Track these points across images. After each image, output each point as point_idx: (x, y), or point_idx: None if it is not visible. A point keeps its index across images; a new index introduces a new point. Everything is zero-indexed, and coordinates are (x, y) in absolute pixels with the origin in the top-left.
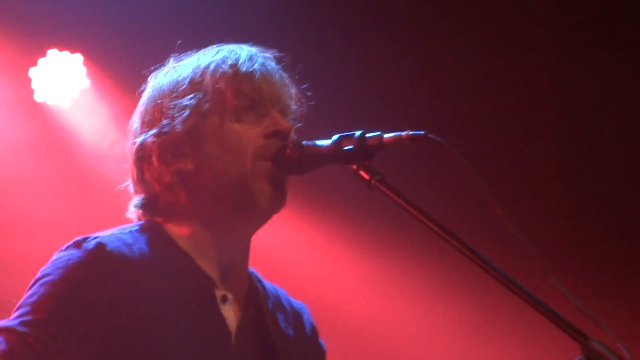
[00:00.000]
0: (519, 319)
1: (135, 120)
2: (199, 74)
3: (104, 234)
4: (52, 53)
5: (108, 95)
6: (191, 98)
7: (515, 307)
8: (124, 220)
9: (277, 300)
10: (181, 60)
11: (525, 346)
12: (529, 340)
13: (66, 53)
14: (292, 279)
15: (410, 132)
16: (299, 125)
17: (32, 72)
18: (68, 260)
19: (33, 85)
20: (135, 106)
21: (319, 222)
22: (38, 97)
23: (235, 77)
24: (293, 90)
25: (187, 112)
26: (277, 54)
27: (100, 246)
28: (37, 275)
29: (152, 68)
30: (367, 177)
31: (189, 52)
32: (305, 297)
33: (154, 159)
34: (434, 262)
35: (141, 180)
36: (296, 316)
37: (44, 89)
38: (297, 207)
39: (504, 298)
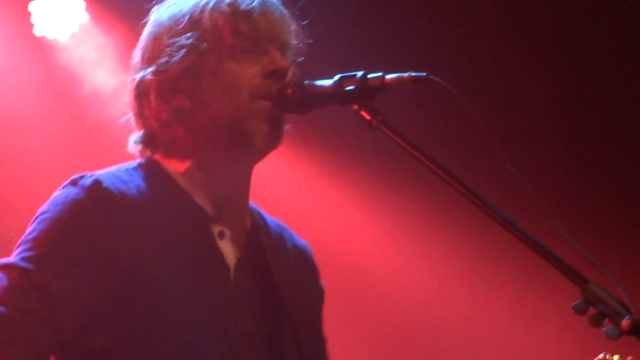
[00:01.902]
0: (521, 264)
1: (137, 55)
2: (197, 11)
3: (101, 172)
4: None
5: (107, 30)
6: (189, 36)
7: (516, 252)
8: (123, 157)
9: (280, 236)
10: None
11: (527, 291)
12: (531, 285)
13: None
14: (291, 218)
15: (412, 74)
16: (299, 59)
17: (32, 5)
18: (66, 197)
19: (32, 20)
20: (135, 41)
21: (320, 163)
22: (37, 31)
23: (233, 15)
24: (293, 26)
25: (184, 51)
26: None
27: (97, 183)
28: (36, 214)
29: (153, 1)
30: (368, 117)
31: None
32: (305, 237)
33: (152, 96)
34: (436, 206)
35: (140, 116)
36: (298, 254)
37: (43, 23)
38: (298, 147)
39: (504, 243)
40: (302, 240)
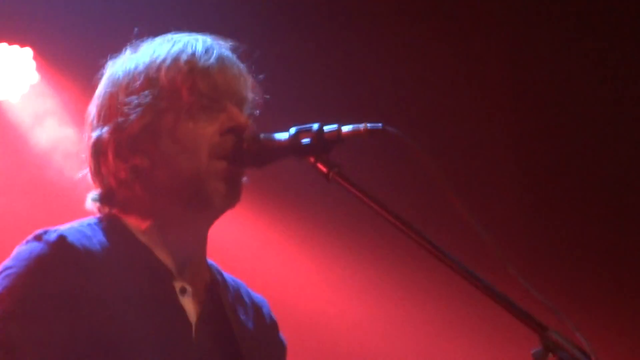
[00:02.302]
0: (479, 313)
1: (92, 112)
2: (154, 69)
3: (64, 227)
4: (2, 47)
5: (59, 90)
6: (146, 95)
7: (475, 301)
8: (81, 214)
9: (238, 292)
10: (137, 49)
11: (485, 340)
12: (490, 334)
13: (16, 47)
14: (248, 274)
15: (369, 125)
16: (256, 112)
17: None
18: (30, 252)
19: None
20: (87, 101)
21: (276, 217)
22: None
23: (191, 73)
24: (250, 81)
25: (141, 110)
26: (234, 44)
27: (61, 238)
28: None
29: (106, 59)
30: (325, 169)
31: (146, 39)
32: (262, 292)
33: (110, 154)
34: (393, 256)
35: (98, 174)
36: (256, 309)
37: None
38: (255, 201)
39: (462, 292)
40: (259, 295)
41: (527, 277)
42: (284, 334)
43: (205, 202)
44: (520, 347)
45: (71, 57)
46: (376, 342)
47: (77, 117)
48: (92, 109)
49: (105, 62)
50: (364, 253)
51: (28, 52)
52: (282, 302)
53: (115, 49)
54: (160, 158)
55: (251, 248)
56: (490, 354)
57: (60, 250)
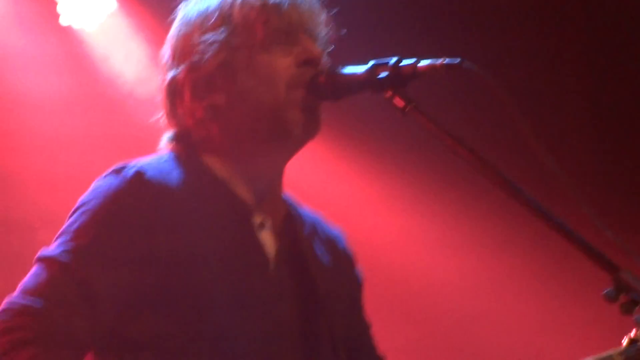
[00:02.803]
0: (548, 252)
1: (166, 53)
2: (227, 7)
3: (142, 161)
4: None
5: (137, 21)
6: (220, 32)
7: (544, 239)
8: (152, 151)
9: (314, 226)
10: None
11: (556, 280)
12: (560, 274)
13: None
14: (323, 209)
15: (446, 61)
16: (331, 48)
17: None
18: (108, 188)
19: (59, 8)
20: (166, 33)
21: (351, 153)
22: (63, 20)
23: (264, 8)
24: (323, 16)
25: (216, 47)
26: None
27: (138, 174)
28: (77, 204)
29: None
30: (401, 104)
31: None
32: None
33: (186, 94)
34: (466, 195)
35: (173, 115)
36: (332, 243)
37: (69, 11)
38: (330, 136)
39: (533, 230)
40: (335, 229)
41: (600, 218)
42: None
43: (285, 133)
44: (589, 290)
45: None
46: (445, 285)
47: (155, 49)
48: (166, 50)
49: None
50: (436, 192)
51: None
52: (354, 239)
53: None
54: (238, 93)
55: (325, 183)
56: (561, 295)
57: (138, 186)
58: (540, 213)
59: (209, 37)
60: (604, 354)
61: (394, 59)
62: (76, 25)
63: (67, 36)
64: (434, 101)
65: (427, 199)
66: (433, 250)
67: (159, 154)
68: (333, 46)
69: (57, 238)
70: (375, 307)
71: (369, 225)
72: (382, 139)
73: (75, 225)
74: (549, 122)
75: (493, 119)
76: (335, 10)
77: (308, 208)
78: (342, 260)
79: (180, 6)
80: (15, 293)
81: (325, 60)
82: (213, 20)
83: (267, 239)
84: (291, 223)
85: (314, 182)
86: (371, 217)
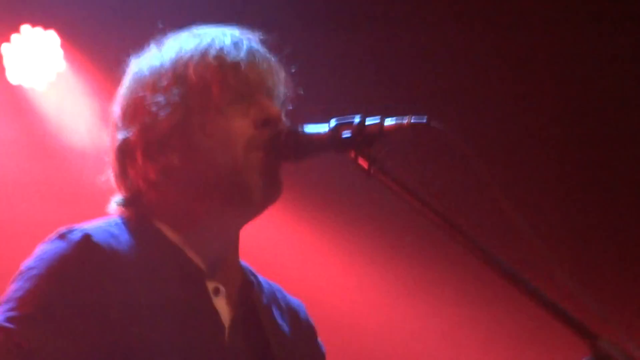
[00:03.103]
0: (524, 319)
1: (117, 112)
2: (181, 65)
3: (89, 225)
4: (25, 29)
5: (87, 79)
6: (174, 93)
7: (520, 306)
8: (101, 213)
9: (272, 295)
10: (162, 44)
11: (531, 348)
12: (535, 342)
13: (39, 29)
14: (282, 277)
15: (412, 119)
16: (289, 108)
17: (4, 48)
18: (54, 253)
19: (5, 63)
20: (116, 89)
21: (311, 215)
22: (12, 79)
23: (221, 68)
24: (282, 75)
25: (170, 108)
26: (263, 36)
27: (86, 238)
28: (21, 269)
29: (131, 52)
30: (366, 165)
31: (170, 33)
32: (296, 295)
33: (138, 155)
34: (436, 258)
35: (124, 177)
36: (292, 313)
37: (19, 71)
38: (289, 199)
39: (508, 297)
40: (295, 299)
41: (575, 283)
42: (321, 338)
43: (244, 198)
44: (568, 357)
45: (99, 43)
46: (417, 351)
47: (105, 107)
48: (116, 108)
49: (132, 53)
50: (406, 256)
51: (53, 35)
52: (317, 305)
53: (147, 32)
54: (193, 154)
55: (283, 248)
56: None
57: (85, 251)
58: (512, 277)
59: (162, 97)
60: None
61: (357, 118)
62: (26, 84)
63: (17, 94)
64: (398, 158)
65: (390, 259)
66: (396, 308)
67: (107, 218)
68: (292, 105)
69: (1, 305)
70: None
71: (327, 287)
72: (341, 197)
73: (20, 292)
74: (519, 181)
75: (460, 177)
76: (293, 69)
77: (265, 278)
78: (303, 331)
79: (131, 60)
80: None
81: (284, 120)
82: (167, 79)
83: (222, 307)
84: (248, 291)
85: (271, 246)
86: (330, 278)
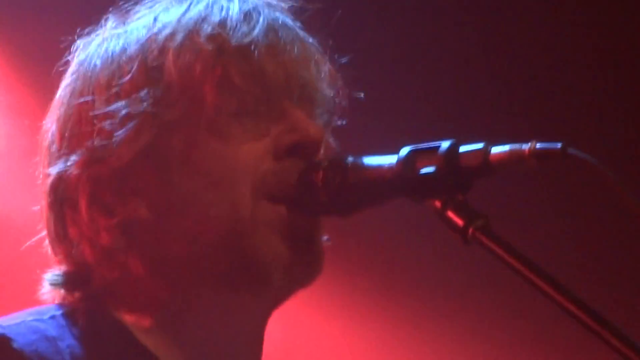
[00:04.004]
0: None
1: (51, 131)
2: (155, 52)
3: (10, 320)
4: None
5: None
6: (142, 97)
7: None
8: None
9: None
10: (127, 17)
11: None
12: None
13: None
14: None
15: (538, 145)
16: (338, 122)
17: None
18: None
19: None
20: (48, 102)
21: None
22: None
23: (220, 55)
24: (326, 68)
25: (135, 123)
26: (295, 2)
27: (3, 343)
28: None
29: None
30: (461, 222)
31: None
32: None
33: (82, 202)
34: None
35: (62, 238)
36: None
37: None
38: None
39: None
40: None
41: None
42: None
43: (257, 276)
44: None
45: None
46: None
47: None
48: (51, 126)
49: (77, 35)
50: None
51: None
52: None
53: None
54: (171, 203)
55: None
56: None
57: None
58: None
59: (122, 106)
60: None
61: (446, 144)
62: None
63: None
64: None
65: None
66: None
67: (38, 309)
68: (342, 120)
69: None
70: None
71: None
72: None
73: None
74: None
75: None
76: (345, 59)
77: None
78: None
79: (76, 45)
80: None
81: (329, 146)
82: (131, 75)
83: None
84: None
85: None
86: None
